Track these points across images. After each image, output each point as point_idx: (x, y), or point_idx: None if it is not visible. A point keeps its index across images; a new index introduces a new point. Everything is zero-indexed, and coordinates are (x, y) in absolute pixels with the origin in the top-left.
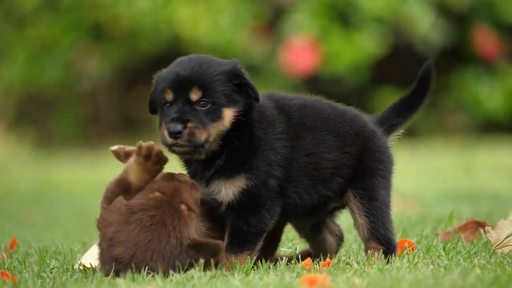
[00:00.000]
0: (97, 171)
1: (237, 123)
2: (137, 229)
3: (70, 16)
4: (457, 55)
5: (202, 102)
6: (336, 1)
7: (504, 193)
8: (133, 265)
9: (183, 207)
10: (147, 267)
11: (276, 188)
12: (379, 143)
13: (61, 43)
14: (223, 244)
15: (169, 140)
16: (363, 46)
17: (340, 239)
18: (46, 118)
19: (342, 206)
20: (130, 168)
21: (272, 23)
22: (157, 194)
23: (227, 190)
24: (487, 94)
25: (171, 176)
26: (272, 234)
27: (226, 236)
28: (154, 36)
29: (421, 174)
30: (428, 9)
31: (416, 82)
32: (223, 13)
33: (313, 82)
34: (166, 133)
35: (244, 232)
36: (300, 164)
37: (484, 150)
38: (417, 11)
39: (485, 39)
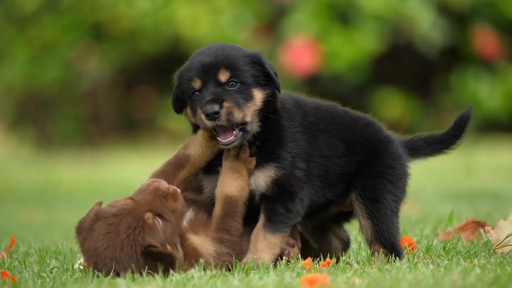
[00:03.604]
0: (97, 171)
1: (267, 105)
2: (95, 237)
3: (70, 16)
4: (457, 55)
5: (231, 83)
6: (336, 0)
7: (504, 193)
8: (98, 271)
9: (147, 215)
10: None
11: (303, 178)
12: (392, 150)
13: (61, 43)
14: (178, 253)
15: (208, 123)
16: (362, 45)
17: (346, 243)
18: (46, 118)
19: (349, 212)
20: (192, 142)
21: (272, 23)
22: (127, 201)
23: (258, 179)
24: (487, 93)
25: (151, 183)
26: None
27: (261, 218)
28: (154, 36)
29: (421, 174)
30: (428, 8)
31: (452, 125)
32: (223, 13)
33: (313, 81)
34: (203, 117)
35: (282, 214)
36: (315, 163)
37: (484, 150)
38: (417, 10)
39: (485, 39)
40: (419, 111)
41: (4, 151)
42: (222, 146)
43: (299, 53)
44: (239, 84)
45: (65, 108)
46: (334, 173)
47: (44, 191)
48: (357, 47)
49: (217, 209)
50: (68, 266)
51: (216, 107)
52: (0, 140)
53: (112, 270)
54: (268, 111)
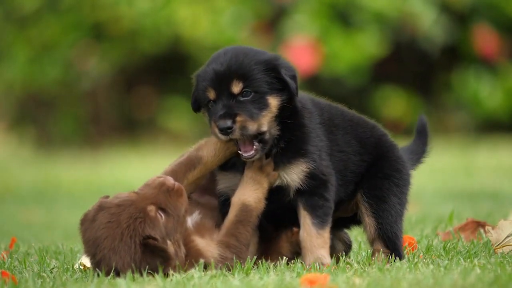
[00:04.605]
0: (97, 171)
1: (284, 109)
2: (96, 227)
3: (70, 16)
4: (458, 54)
5: (245, 92)
6: (337, 1)
7: (504, 193)
8: (96, 264)
9: (150, 207)
10: (107, 266)
11: (330, 166)
12: (398, 155)
13: (61, 43)
14: (179, 252)
15: (222, 137)
16: (363, 47)
17: (348, 245)
18: (46, 118)
19: (348, 219)
20: (206, 144)
21: (273, 23)
22: (131, 194)
23: (291, 176)
24: (488, 93)
25: (156, 178)
26: None
27: (305, 216)
28: (154, 36)
29: (422, 174)
30: (430, 6)
31: (416, 135)
32: (223, 13)
33: (313, 82)
34: (217, 131)
35: (324, 207)
36: (335, 157)
37: (484, 150)
38: (419, 8)
39: (486, 38)
40: (420, 110)
41: (4, 151)
42: (244, 159)
43: (299, 53)
44: (253, 93)
45: (65, 108)
46: (350, 172)
47: (44, 191)
48: (358, 49)
49: (231, 215)
50: (68, 266)
51: (228, 123)
52: (0, 140)
53: (112, 268)
54: (286, 116)
